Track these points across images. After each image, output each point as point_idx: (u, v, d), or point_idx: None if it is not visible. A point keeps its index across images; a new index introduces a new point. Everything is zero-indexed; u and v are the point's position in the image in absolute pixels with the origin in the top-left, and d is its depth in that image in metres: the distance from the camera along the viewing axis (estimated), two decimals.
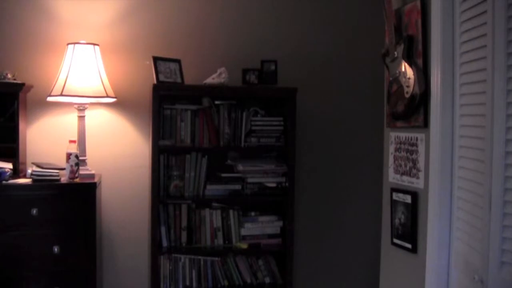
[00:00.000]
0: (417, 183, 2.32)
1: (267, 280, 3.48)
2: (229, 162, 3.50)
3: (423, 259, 2.22)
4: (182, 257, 3.37)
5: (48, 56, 3.35)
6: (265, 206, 3.57)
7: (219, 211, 3.45)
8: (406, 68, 2.30)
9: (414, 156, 2.35)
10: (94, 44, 3.21)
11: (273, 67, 3.48)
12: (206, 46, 3.58)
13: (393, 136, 2.56)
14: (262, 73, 3.47)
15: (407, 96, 2.29)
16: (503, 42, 1.64)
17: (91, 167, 3.28)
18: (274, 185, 3.45)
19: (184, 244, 3.37)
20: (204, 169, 3.41)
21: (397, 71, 2.35)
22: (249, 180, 3.43)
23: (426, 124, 2.24)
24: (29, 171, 3.00)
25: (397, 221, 2.47)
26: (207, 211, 3.44)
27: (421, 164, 2.30)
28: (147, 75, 3.38)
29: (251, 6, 3.65)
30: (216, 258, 3.43)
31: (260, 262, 3.52)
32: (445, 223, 2.10)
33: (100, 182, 3.23)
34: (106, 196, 3.44)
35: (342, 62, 3.77)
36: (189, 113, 3.37)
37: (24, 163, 3.22)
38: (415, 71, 2.25)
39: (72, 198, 2.96)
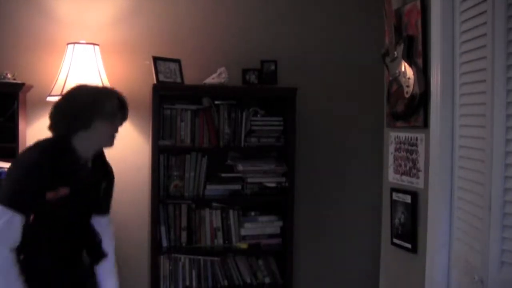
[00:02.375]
0: (417, 183, 2.32)
1: (267, 280, 3.48)
2: (229, 162, 3.50)
3: (423, 259, 2.22)
4: (182, 257, 3.37)
5: (48, 56, 3.35)
6: (265, 206, 3.57)
7: (219, 211, 3.45)
8: (406, 68, 2.30)
9: (414, 156, 2.35)
10: (94, 44, 3.21)
11: (273, 67, 3.48)
12: (206, 46, 3.57)
13: (393, 136, 2.56)
14: (262, 73, 3.47)
15: (407, 96, 2.29)
16: (503, 42, 1.64)
17: None
18: (274, 185, 3.45)
19: (184, 244, 3.37)
20: (204, 169, 3.41)
21: (397, 71, 2.35)
22: (249, 180, 3.43)
23: (426, 124, 2.24)
24: None
25: (397, 221, 2.47)
26: (207, 211, 3.44)
27: (421, 164, 2.30)
28: (147, 75, 3.37)
29: (251, 6, 3.65)
30: (216, 258, 3.43)
31: (260, 262, 3.52)
32: (445, 223, 2.10)
33: None
34: None
35: (342, 62, 3.77)
36: (189, 113, 3.37)
37: None
38: (415, 71, 2.25)
39: None
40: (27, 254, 1.99)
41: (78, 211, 2.14)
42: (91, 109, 2.04)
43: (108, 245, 2.33)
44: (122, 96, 2.16)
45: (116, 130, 2.16)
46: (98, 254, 2.27)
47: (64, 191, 2.00)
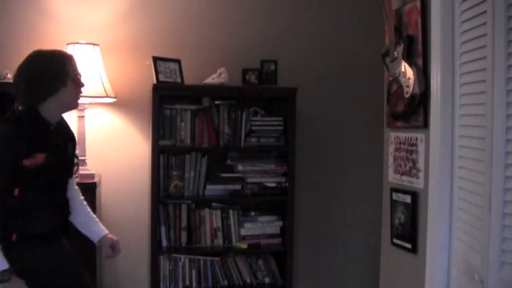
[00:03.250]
0: (417, 183, 2.32)
1: (267, 280, 3.49)
2: (229, 162, 3.50)
3: (423, 259, 2.22)
4: (182, 257, 3.38)
5: None
6: (265, 206, 3.57)
7: (219, 211, 3.46)
8: (406, 68, 2.30)
9: (414, 156, 2.35)
10: (94, 44, 3.21)
11: (273, 67, 3.48)
12: (206, 46, 3.57)
13: (393, 136, 2.55)
14: (262, 73, 3.47)
15: (407, 96, 2.29)
16: (503, 42, 1.64)
17: (91, 167, 3.27)
18: (274, 185, 3.45)
19: (184, 244, 3.37)
20: (204, 169, 3.42)
21: (397, 71, 2.35)
22: (249, 180, 3.43)
23: (426, 124, 2.24)
24: None
25: (397, 221, 2.47)
26: (207, 211, 3.44)
27: (421, 164, 2.30)
28: (147, 75, 3.38)
29: (251, 6, 3.65)
30: (216, 258, 3.43)
31: (260, 262, 3.52)
32: (445, 223, 2.10)
33: (100, 182, 3.23)
34: (106, 196, 3.43)
35: (342, 62, 3.77)
36: (189, 113, 3.37)
37: None
38: (415, 71, 2.25)
39: None
40: (21, 225, 2.07)
41: (56, 176, 2.22)
42: (56, 76, 2.11)
43: (78, 202, 2.43)
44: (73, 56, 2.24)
45: (80, 91, 2.22)
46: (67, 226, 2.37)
47: (40, 156, 2.07)
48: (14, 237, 2.06)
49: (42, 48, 2.22)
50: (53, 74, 2.10)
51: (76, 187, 2.46)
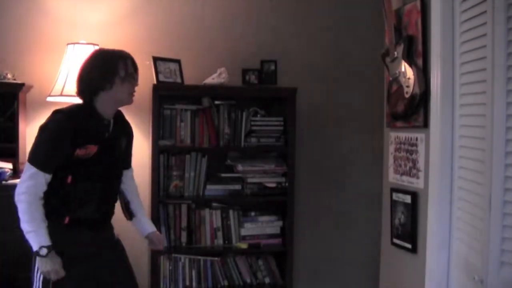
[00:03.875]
0: (417, 183, 2.33)
1: (267, 280, 3.48)
2: (229, 162, 3.50)
3: (423, 259, 2.22)
4: (182, 257, 3.37)
5: (48, 56, 3.34)
6: (265, 206, 3.57)
7: (219, 211, 3.45)
8: (406, 68, 2.30)
9: (414, 156, 2.36)
10: (94, 44, 3.21)
11: (273, 67, 3.48)
12: (206, 46, 3.57)
13: (393, 136, 2.56)
14: (262, 73, 3.47)
15: (407, 96, 2.30)
16: (503, 42, 1.64)
17: None
18: (274, 185, 3.45)
19: (184, 244, 3.37)
20: (204, 169, 3.41)
21: (397, 71, 2.35)
22: (249, 180, 3.43)
23: (426, 124, 2.24)
24: None
25: (397, 221, 2.47)
26: (207, 211, 3.44)
27: (421, 164, 2.30)
28: (147, 75, 3.37)
29: (251, 6, 3.65)
30: (216, 258, 3.43)
31: (260, 262, 3.52)
32: (445, 223, 2.11)
33: None
34: None
35: (342, 61, 3.77)
36: (189, 113, 3.37)
37: (24, 163, 3.21)
38: (415, 71, 2.25)
39: None
40: (72, 211, 2.23)
41: (107, 168, 2.33)
42: (110, 72, 2.24)
43: (134, 194, 2.61)
44: (132, 56, 2.38)
45: (134, 88, 2.36)
46: (129, 213, 2.56)
47: (92, 148, 2.21)
48: (67, 219, 2.20)
49: (104, 48, 2.42)
50: (100, 72, 2.23)
51: (134, 180, 2.61)
